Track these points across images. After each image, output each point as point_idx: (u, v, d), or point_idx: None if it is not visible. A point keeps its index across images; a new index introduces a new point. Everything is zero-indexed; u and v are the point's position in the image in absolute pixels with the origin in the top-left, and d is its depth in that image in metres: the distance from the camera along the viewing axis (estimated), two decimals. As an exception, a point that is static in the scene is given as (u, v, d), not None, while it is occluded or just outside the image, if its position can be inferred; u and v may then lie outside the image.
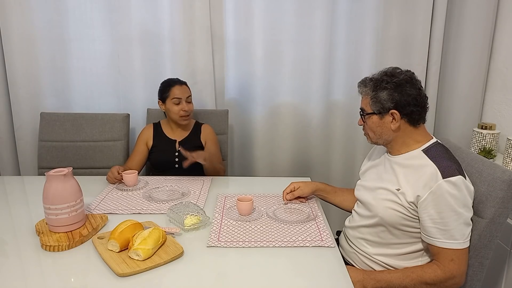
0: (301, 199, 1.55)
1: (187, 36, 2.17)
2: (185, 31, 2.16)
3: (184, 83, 1.92)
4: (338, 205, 1.55)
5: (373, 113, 1.26)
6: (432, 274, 1.15)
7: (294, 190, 1.53)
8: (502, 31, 2.18)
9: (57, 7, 2.11)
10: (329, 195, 1.56)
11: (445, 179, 1.12)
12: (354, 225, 1.37)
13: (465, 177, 1.15)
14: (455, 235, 1.12)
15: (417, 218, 1.19)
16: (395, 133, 1.26)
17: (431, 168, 1.16)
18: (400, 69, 1.26)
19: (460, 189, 1.12)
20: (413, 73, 1.26)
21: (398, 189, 1.22)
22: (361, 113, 1.31)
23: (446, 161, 1.17)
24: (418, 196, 1.16)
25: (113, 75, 2.23)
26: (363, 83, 1.28)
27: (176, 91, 1.86)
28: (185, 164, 1.69)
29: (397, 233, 1.24)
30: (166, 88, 1.89)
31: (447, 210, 1.12)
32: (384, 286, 1.20)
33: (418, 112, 1.23)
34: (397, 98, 1.21)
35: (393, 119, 1.23)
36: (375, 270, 1.29)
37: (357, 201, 1.41)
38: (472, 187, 1.17)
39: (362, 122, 1.33)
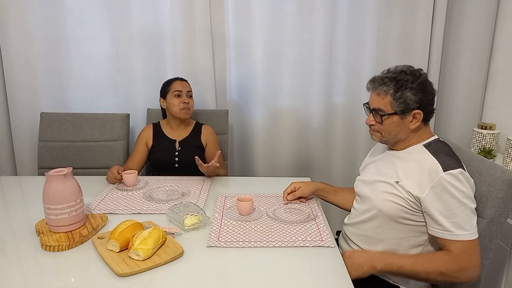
0: (301, 199, 1.55)
1: (188, 36, 2.17)
2: (185, 31, 2.16)
3: (185, 80, 1.98)
4: (338, 204, 1.56)
5: (395, 113, 1.23)
6: (447, 264, 1.12)
7: (294, 191, 1.53)
8: (502, 31, 2.18)
9: (55, 7, 2.11)
10: (329, 195, 1.56)
11: (446, 172, 1.13)
12: (353, 222, 1.37)
13: (464, 170, 1.16)
14: (464, 226, 1.12)
15: (416, 210, 1.19)
16: (412, 132, 1.26)
17: (432, 162, 1.17)
18: (413, 67, 1.25)
19: (461, 181, 1.13)
20: (421, 69, 1.27)
21: (397, 182, 1.22)
22: (380, 113, 1.25)
23: (446, 155, 1.18)
24: (420, 190, 1.16)
25: (113, 75, 2.23)
26: (382, 82, 1.23)
27: (177, 85, 1.92)
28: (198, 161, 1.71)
29: (396, 226, 1.23)
30: (167, 84, 1.95)
31: (452, 202, 1.12)
32: (395, 269, 1.17)
33: (433, 110, 1.25)
34: (423, 98, 1.20)
35: (413, 118, 1.23)
36: (383, 252, 1.25)
37: (356, 197, 1.41)
38: (472, 180, 1.18)
39: (376, 122, 1.28)
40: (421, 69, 1.26)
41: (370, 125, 1.31)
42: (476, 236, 1.13)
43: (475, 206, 1.15)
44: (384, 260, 1.19)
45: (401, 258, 1.19)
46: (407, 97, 1.20)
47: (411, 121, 1.23)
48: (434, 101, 1.25)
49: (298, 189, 1.52)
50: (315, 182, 1.58)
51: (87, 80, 2.22)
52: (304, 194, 1.53)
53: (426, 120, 1.26)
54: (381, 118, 1.25)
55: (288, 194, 1.53)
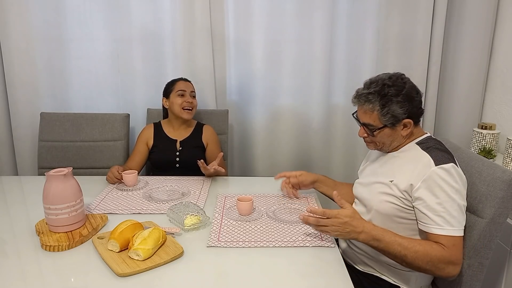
0: (300, 198, 1.56)
1: (188, 36, 2.17)
2: (185, 31, 2.16)
3: (189, 81, 1.99)
4: None
5: (385, 126, 1.25)
6: (438, 252, 1.11)
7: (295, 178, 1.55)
8: (502, 31, 2.18)
9: (56, 7, 2.11)
10: (329, 188, 1.56)
11: (438, 166, 1.14)
12: None
13: (457, 166, 1.17)
14: (451, 221, 1.12)
15: (410, 208, 1.20)
16: (405, 137, 1.27)
17: (424, 157, 1.18)
18: (394, 75, 1.25)
19: (452, 175, 1.13)
20: (403, 74, 1.26)
21: (391, 181, 1.23)
22: (370, 128, 1.27)
23: (439, 151, 1.20)
24: (411, 185, 1.17)
25: (113, 75, 2.23)
26: (367, 99, 1.23)
27: (181, 85, 1.94)
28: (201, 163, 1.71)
29: (393, 226, 1.24)
30: (171, 83, 1.96)
31: (441, 196, 1.12)
32: (381, 246, 1.14)
33: (422, 112, 1.26)
34: (410, 108, 1.21)
35: (404, 127, 1.24)
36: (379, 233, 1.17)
37: (355, 200, 1.42)
38: (464, 176, 1.18)
39: (367, 136, 1.30)
40: (402, 75, 1.25)
41: (363, 137, 1.33)
42: (462, 234, 1.13)
43: (464, 204, 1.16)
44: (371, 233, 1.15)
45: (393, 236, 1.15)
46: (394, 110, 1.21)
47: (402, 129, 1.25)
48: (421, 103, 1.26)
49: (300, 175, 1.54)
50: (317, 174, 1.59)
51: (87, 80, 2.22)
52: (306, 181, 1.55)
53: (416, 123, 1.27)
54: (372, 132, 1.27)
55: (288, 177, 1.56)
